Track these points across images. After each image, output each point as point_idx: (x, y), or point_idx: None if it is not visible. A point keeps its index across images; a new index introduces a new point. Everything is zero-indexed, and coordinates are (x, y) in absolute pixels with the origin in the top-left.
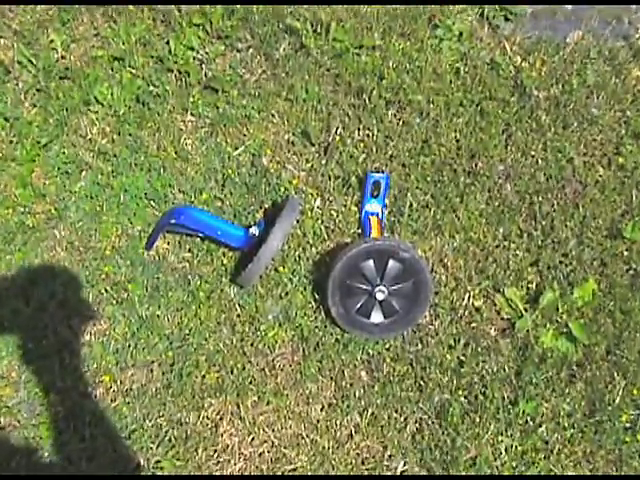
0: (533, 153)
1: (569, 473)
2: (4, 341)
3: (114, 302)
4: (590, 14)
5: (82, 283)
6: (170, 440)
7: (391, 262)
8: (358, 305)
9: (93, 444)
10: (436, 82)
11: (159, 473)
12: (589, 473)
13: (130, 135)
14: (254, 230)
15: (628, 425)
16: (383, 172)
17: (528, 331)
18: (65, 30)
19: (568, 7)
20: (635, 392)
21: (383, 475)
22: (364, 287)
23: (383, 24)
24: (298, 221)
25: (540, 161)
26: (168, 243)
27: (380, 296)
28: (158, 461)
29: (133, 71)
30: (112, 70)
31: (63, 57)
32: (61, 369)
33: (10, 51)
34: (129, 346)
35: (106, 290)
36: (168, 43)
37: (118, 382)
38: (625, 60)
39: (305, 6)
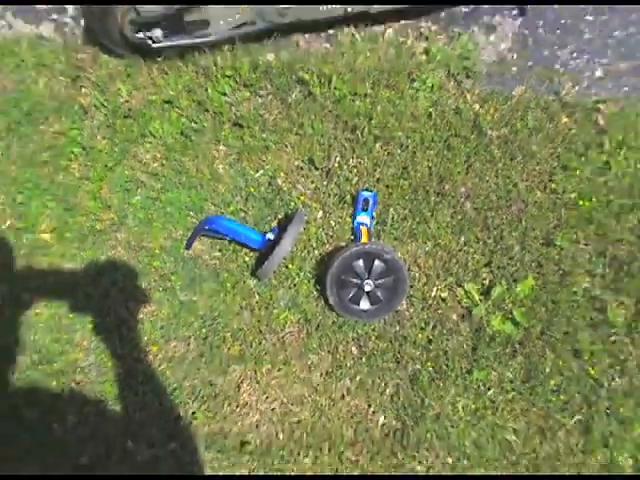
0: (487, 179)
1: (509, 425)
2: (79, 318)
3: (160, 289)
4: (530, 75)
5: (136, 274)
6: (203, 397)
7: (376, 262)
8: (350, 295)
9: (144, 398)
10: (413, 122)
11: (194, 422)
12: (525, 425)
13: (175, 160)
14: (270, 235)
15: (555, 389)
16: (372, 191)
17: (482, 317)
18: (129, 80)
19: (513, 69)
20: (561, 363)
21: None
22: (355, 281)
23: (373, 77)
24: (304, 229)
25: (493, 185)
26: (203, 244)
27: (367, 288)
28: (193, 412)
29: (179, 111)
30: (163, 110)
31: (127, 101)
32: (120, 340)
33: (88, 97)
34: (171, 324)
35: (154, 280)
36: (206, 90)
37: (163, 351)
38: (556, 110)
39: (313, 61)
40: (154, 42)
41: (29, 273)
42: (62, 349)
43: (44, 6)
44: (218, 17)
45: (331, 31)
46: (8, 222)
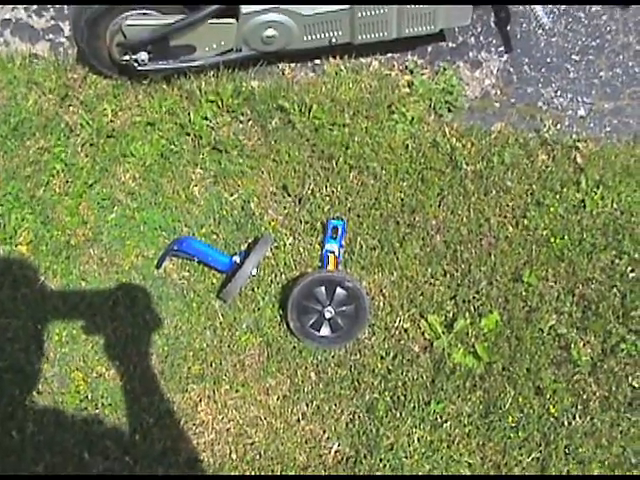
0: (459, 212)
1: (465, 459)
2: (45, 329)
3: (128, 305)
4: (511, 111)
5: (104, 290)
6: (160, 413)
7: (338, 289)
8: (311, 321)
9: (103, 411)
10: (389, 154)
11: (150, 438)
12: (480, 460)
13: (153, 181)
14: (236, 258)
15: (513, 425)
16: (342, 220)
17: (443, 349)
18: (115, 101)
19: (496, 105)
20: (521, 400)
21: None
22: (316, 307)
23: (353, 107)
24: (273, 254)
25: (464, 219)
26: (173, 264)
27: (328, 315)
28: (150, 427)
29: (160, 133)
30: (145, 132)
31: (112, 121)
32: (84, 354)
33: (75, 115)
34: (135, 340)
35: (122, 296)
36: (189, 114)
37: (124, 366)
38: (534, 147)
39: (296, 89)
40: (140, 65)
41: (1, 283)
42: (28, 359)
43: (41, 26)
44: (204, 43)
45: (317, 61)
46: None
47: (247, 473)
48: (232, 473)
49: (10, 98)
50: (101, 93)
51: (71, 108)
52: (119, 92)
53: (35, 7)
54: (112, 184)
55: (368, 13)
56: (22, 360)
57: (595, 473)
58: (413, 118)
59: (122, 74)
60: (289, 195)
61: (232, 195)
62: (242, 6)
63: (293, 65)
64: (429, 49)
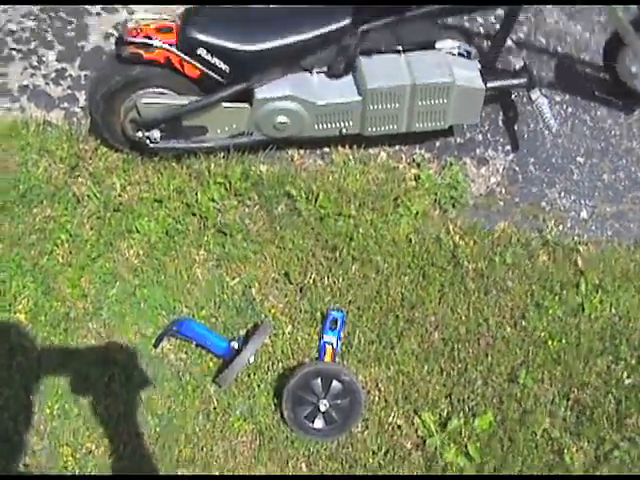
0: (459, 311)
1: None
2: (38, 401)
3: (122, 383)
4: (515, 210)
5: (101, 366)
6: None
7: (334, 382)
8: (306, 412)
9: None
10: (392, 247)
11: None
12: None
13: (156, 259)
14: (235, 344)
15: None
16: (341, 311)
17: (436, 448)
18: (124, 175)
19: (500, 203)
20: None
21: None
22: (311, 399)
23: (360, 199)
24: (271, 341)
25: (463, 317)
26: (171, 344)
27: (323, 408)
28: None
29: (167, 211)
30: (152, 209)
31: (120, 195)
32: (74, 430)
33: (83, 186)
34: (127, 419)
35: (118, 373)
36: (196, 194)
37: (115, 444)
38: (536, 247)
39: (304, 176)
40: (151, 142)
41: None
42: (17, 429)
43: (57, 94)
44: (216, 125)
45: (326, 149)
46: None
47: None
48: None
49: (21, 164)
50: (111, 166)
51: (80, 179)
52: (129, 167)
53: (53, 75)
54: (115, 259)
55: (380, 106)
56: (10, 430)
57: None
58: (418, 212)
59: (133, 149)
60: (291, 283)
61: (234, 279)
62: (256, 91)
63: (302, 152)
64: (437, 144)
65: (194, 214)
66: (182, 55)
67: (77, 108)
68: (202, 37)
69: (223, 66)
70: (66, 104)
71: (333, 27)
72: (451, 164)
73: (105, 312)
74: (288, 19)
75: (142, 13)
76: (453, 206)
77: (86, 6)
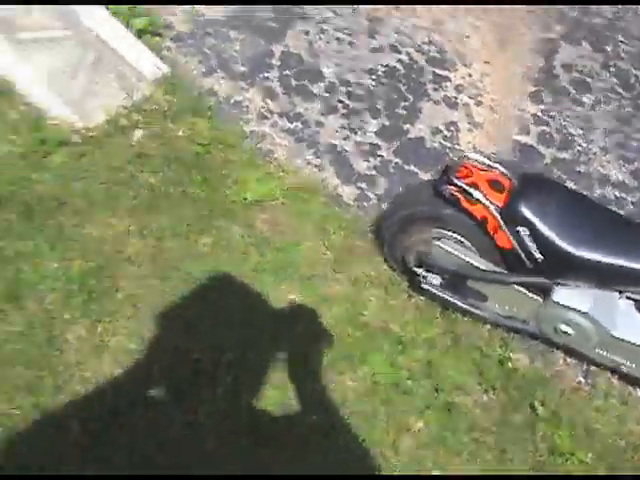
0: None
1: None
2: None
3: None
4: None
5: None
6: None
7: None
8: None
9: None
10: None
11: None
12: None
13: None
14: None
15: None
16: None
17: None
18: (381, 294)
19: None
20: None
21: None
22: None
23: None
24: None
25: None
26: None
27: None
28: None
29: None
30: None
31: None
32: None
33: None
34: None
35: None
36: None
37: None
38: None
39: (550, 386)
40: (426, 283)
41: None
42: None
43: (360, 169)
44: (499, 300)
45: (592, 367)
46: None
47: None
48: None
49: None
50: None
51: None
52: (390, 290)
53: (367, 148)
54: None
55: None
56: None
57: None
58: None
59: (403, 274)
60: None
61: None
62: (555, 291)
63: (569, 360)
64: None
65: None
66: (501, 223)
67: (372, 194)
68: (532, 219)
69: (538, 255)
70: (364, 185)
71: None
72: None
73: None
74: (626, 239)
75: (473, 154)
76: None
77: (429, 89)
